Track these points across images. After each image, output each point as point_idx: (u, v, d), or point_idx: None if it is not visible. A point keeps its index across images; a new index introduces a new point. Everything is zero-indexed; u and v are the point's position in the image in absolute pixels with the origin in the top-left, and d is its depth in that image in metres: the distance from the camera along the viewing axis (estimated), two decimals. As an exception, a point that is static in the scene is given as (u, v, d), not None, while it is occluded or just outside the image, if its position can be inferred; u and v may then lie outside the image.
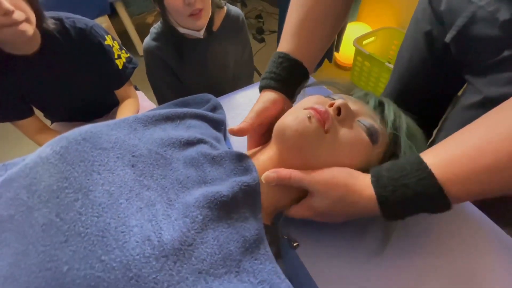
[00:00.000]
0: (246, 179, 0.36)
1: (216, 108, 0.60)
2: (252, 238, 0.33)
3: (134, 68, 0.94)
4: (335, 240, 0.43)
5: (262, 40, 2.36)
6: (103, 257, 0.25)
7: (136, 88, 1.10)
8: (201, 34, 0.90)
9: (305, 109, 0.39)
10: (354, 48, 1.76)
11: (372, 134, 0.40)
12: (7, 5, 0.60)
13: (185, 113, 0.48)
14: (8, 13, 0.60)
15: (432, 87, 0.65)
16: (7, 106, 0.81)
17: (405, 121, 0.43)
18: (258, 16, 2.48)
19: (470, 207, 0.47)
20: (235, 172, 0.38)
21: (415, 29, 0.63)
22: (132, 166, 0.34)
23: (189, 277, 0.27)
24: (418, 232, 0.43)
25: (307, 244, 0.42)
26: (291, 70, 0.47)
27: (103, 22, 1.97)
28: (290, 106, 0.49)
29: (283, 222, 0.42)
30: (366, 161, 0.40)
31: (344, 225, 0.41)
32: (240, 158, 0.39)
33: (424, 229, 0.44)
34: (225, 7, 0.97)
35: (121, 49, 0.90)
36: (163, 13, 0.86)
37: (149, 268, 0.25)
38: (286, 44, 0.49)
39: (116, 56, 0.87)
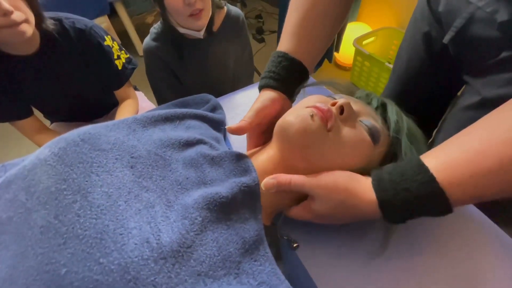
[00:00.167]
0: (245, 180, 0.36)
1: (215, 108, 0.60)
2: (251, 239, 0.33)
3: (133, 68, 0.94)
4: (336, 240, 0.43)
5: (262, 40, 2.36)
6: (101, 260, 0.25)
7: (136, 89, 1.10)
8: (201, 35, 0.90)
9: (307, 107, 0.39)
10: (354, 48, 1.76)
11: (373, 134, 0.40)
12: (6, 5, 0.59)
13: (185, 114, 0.48)
14: (7, 13, 0.60)
15: (431, 88, 0.65)
16: (6, 107, 0.81)
17: (406, 122, 0.43)
18: (258, 16, 2.48)
19: (470, 208, 0.47)
20: (234, 172, 0.38)
21: (414, 30, 0.63)
22: (131, 167, 0.34)
23: (188, 280, 0.27)
24: (418, 232, 0.43)
25: (307, 244, 0.42)
26: (290, 69, 0.47)
27: (102, 22, 1.97)
28: (290, 106, 0.49)
29: (282, 222, 0.42)
30: (367, 161, 0.40)
31: (344, 226, 0.41)
32: (240, 158, 0.39)
33: (423, 230, 0.43)
34: (225, 8, 0.97)
35: (120, 49, 0.90)
36: (163, 13, 0.86)
37: (147, 271, 0.25)
38: (285, 44, 0.49)
39: (115, 57, 0.87)
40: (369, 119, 0.41)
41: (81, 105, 0.94)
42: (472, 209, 0.47)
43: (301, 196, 0.40)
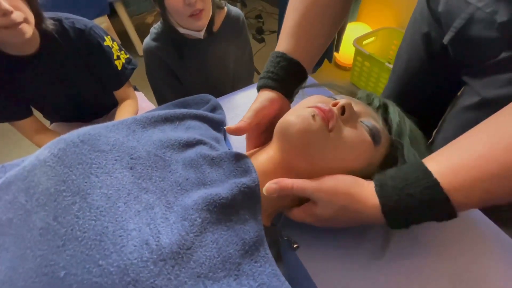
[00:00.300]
0: (245, 180, 0.36)
1: (215, 108, 0.60)
2: (251, 240, 0.33)
3: (133, 69, 0.94)
4: (336, 241, 0.43)
5: (262, 40, 2.36)
6: (100, 262, 0.25)
7: (136, 89, 1.10)
8: (201, 35, 0.90)
9: (308, 107, 0.39)
10: (354, 48, 1.76)
11: (374, 134, 0.40)
12: (6, 5, 0.59)
13: (184, 114, 0.48)
14: (7, 13, 0.60)
15: (430, 88, 0.65)
16: (6, 107, 0.81)
17: (408, 124, 0.42)
18: (258, 16, 2.48)
19: (471, 210, 0.46)
20: (234, 173, 0.38)
21: (414, 30, 0.63)
22: (131, 168, 0.34)
23: (187, 281, 0.26)
24: (418, 233, 0.43)
25: (307, 245, 0.42)
26: (288, 69, 0.47)
27: (102, 22, 1.97)
28: (288, 106, 0.49)
29: (283, 222, 0.42)
30: (368, 162, 0.40)
31: (345, 227, 0.41)
32: (240, 159, 0.39)
33: (424, 230, 0.43)
34: (226, 8, 0.97)
35: (120, 50, 0.90)
36: (163, 13, 0.86)
37: (147, 273, 0.25)
38: (283, 44, 0.48)
39: (115, 57, 0.87)
40: (370, 120, 0.41)
41: (81, 105, 0.94)
42: (474, 211, 0.46)
43: (301, 198, 0.39)
